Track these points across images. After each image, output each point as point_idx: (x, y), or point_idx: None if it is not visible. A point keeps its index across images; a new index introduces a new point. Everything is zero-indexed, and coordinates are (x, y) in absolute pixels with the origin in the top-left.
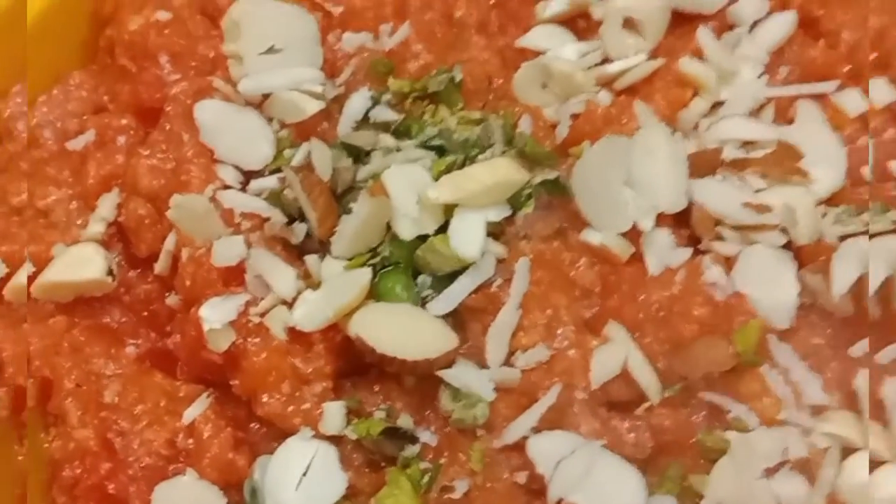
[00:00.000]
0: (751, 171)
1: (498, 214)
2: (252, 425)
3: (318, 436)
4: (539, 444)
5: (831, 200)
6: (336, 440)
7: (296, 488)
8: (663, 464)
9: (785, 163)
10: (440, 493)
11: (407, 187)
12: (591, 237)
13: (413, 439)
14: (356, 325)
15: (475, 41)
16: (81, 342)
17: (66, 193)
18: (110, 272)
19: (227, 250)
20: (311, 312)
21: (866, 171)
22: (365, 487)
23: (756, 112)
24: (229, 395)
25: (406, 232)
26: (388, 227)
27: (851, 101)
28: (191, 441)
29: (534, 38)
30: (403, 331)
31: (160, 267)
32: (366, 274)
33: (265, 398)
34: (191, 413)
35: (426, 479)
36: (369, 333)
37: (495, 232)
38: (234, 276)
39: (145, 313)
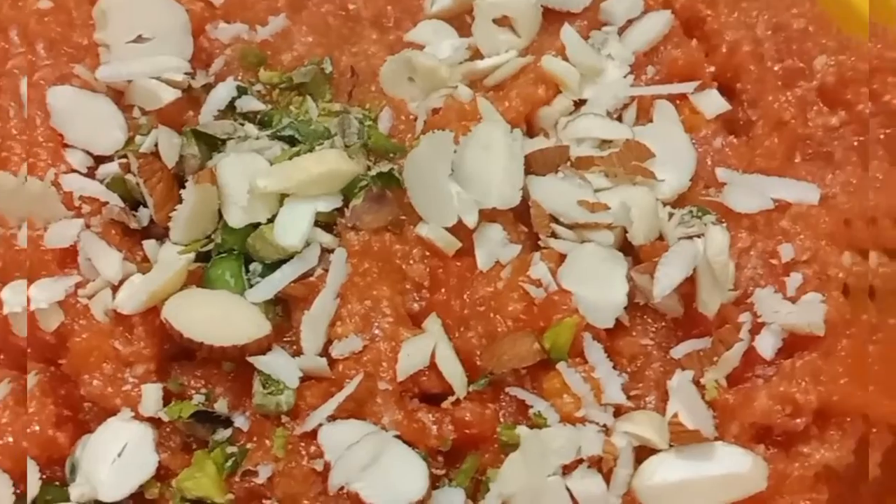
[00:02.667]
0: (597, 169)
1: (328, 205)
2: (87, 405)
3: (138, 417)
4: (330, 432)
5: (678, 202)
6: (157, 422)
7: (109, 467)
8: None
9: (630, 162)
10: (243, 478)
11: (239, 176)
12: (422, 230)
13: (227, 423)
14: (168, 309)
15: (367, 35)
16: None
17: None
18: None
19: (61, 232)
20: (131, 296)
21: (719, 174)
22: (178, 469)
23: (619, 112)
24: (61, 374)
25: (235, 219)
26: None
27: (709, 103)
28: (11, 415)
29: (418, 33)
30: (214, 317)
31: None
32: (181, 259)
33: (87, 378)
34: (3, 389)
35: (230, 462)
36: (179, 318)
37: (328, 222)
38: (68, 258)
39: None
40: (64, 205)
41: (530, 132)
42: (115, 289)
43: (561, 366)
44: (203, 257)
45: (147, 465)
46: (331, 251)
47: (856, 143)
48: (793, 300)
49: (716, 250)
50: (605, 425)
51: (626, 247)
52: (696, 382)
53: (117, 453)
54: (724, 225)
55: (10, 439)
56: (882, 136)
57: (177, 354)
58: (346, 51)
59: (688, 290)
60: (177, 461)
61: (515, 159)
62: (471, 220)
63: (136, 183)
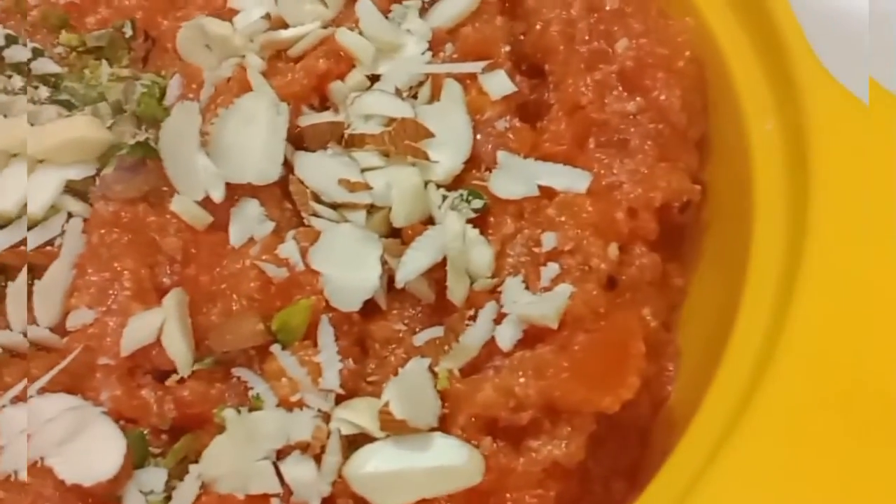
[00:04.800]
0: (369, 147)
1: (80, 173)
2: None
3: None
4: (36, 405)
5: (455, 185)
6: None
7: None
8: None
9: (403, 141)
10: None
11: None
12: (174, 203)
13: None
14: None
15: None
16: None
17: None
18: None
19: None
20: None
21: (499, 157)
22: None
23: (416, 90)
24: None
25: None
26: None
27: (496, 84)
28: None
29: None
30: None
31: None
32: None
33: None
34: None
35: None
36: None
37: (82, 191)
38: None
39: None
40: None
41: (322, 106)
42: None
43: (275, 348)
44: None
45: None
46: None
47: (653, 131)
48: (546, 290)
49: (450, 236)
50: (321, 410)
51: (396, 231)
52: (433, 371)
53: None
54: (480, 205)
55: None
56: (652, 132)
57: None
58: (170, 15)
59: (442, 277)
60: None
61: (277, 134)
62: (217, 195)
63: None
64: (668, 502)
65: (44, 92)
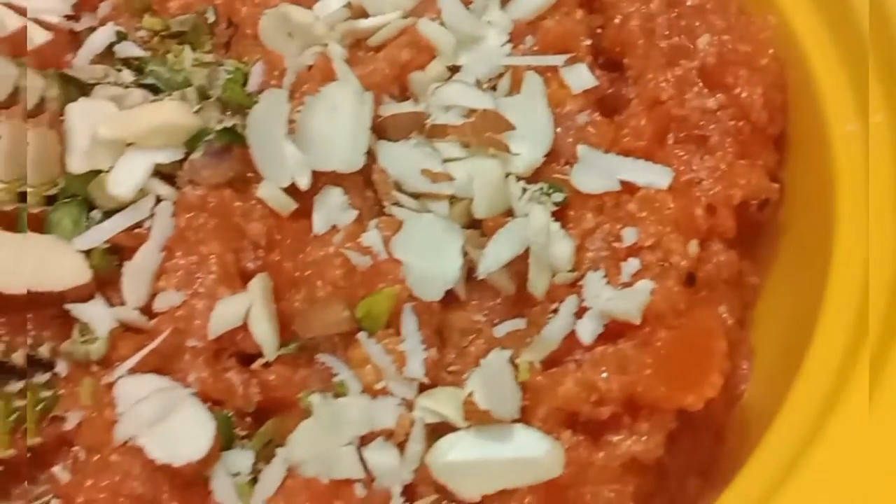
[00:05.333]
0: (450, 138)
1: (169, 157)
2: None
3: None
4: (126, 385)
5: (535, 177)
6: None
7: None
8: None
9: (485, 133)
10: (52, 422)
11: (85, 121)
12: (260, 189)
13: (48, 366)
14: None
15: None
16: None
17: None
18: None
19: None
20: None
21: (579, 151)
22: None
23: (495, 81)
24: None
25: (75, 165)
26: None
27: (576, 78)
28: None
29: None
30: (34, 262)
31: None
32: None
33: None
34: None
35: (42, 405)
36: None
37: (170, 175)
38: None
39: None
40: None
41: (403, 96)
42: None
43: (361, 336)
44: (50, 201)
45: None
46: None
47: (733, 128)
48: (626, 286)
49: (535, 230)
50: (405, 399)
51: (475, 220)
52: (514, 364)
53: None
54: (561, 198)
55: None
56: (732, 129)
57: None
58: (248, 2)
59: (523, 269)
60: None
61: (362, 123)
62: (303, 182)
63: None
64: None
65: (128, 76)
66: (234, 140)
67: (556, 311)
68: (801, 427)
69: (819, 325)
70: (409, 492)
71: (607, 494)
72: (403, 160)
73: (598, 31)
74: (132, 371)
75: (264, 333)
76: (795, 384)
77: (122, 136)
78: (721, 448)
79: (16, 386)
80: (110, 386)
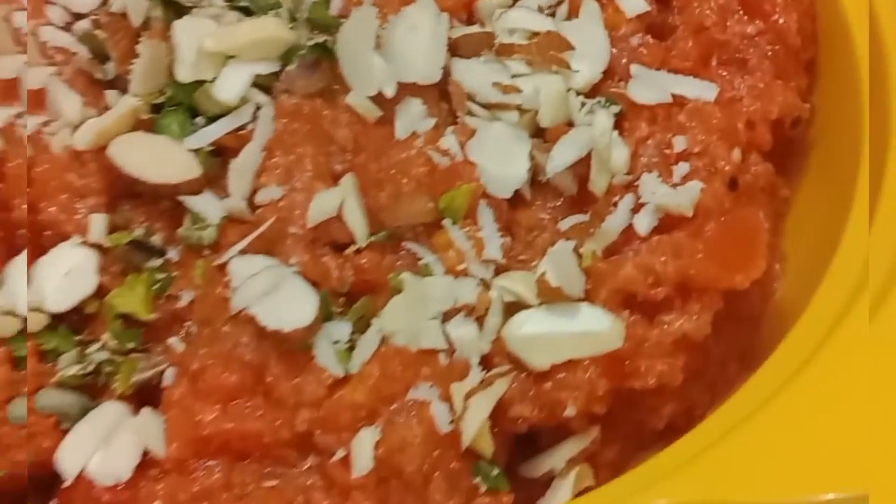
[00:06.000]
0: (517, 56)
1: (266, 68)
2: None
3: (85, 243)
4: (238, 263)
5: (591, 93)
6: (101, 249)
7: (57, 283)
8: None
9: (548, 52)
10: (168, 300)
11: (191, 36)
12: (349, 98)
13: (160, 253)
14: (114, 146)
15: None
16: None
17: None
18: None
19: (5, 66)
20: (85, 134)
21: (632, 70)
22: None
23: (554, 9)
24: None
25: (183, 75)
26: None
27: (630, 3)
28: None
29: None
30: (154, 157)
31: None
32: (129, 103)
33: (44, 206)
34: None
35: (158, 286)
36: (122, 155)
37: (267, 85)
38: (10, 90)
39: None
40: (41, 54)
41: (469, 21)
42: (75, 129)
43: (447, 222)
44: (156, 109)
45: (88, 284)
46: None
47: (770, 52)
48: (677, 186)
49: (600, 130)
50: (483, 279)
51: (539, 131)
52: (577, 252)
53: (65, 272)
54: (621, 108)
55: None
56: (769, 53)
57: (126, 193)
58: None
59: (584, 172)
60: (116, 284)
61: (439, 40)
62: (389, 91)
63: (102, 38)
64: (777, 383)
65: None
66: (323, 54)
67: (615, 206)
68: (824, 322)
69: (845, 234)
70: (485, 362)
71: (660, 367)
72: (476, 74)
73: None
74: (242, 252)
75: (357, 222)
76: (821, 286)
77: (226, 48)
78: (757, 337)
79: (156, 262)
80: (220, 268)
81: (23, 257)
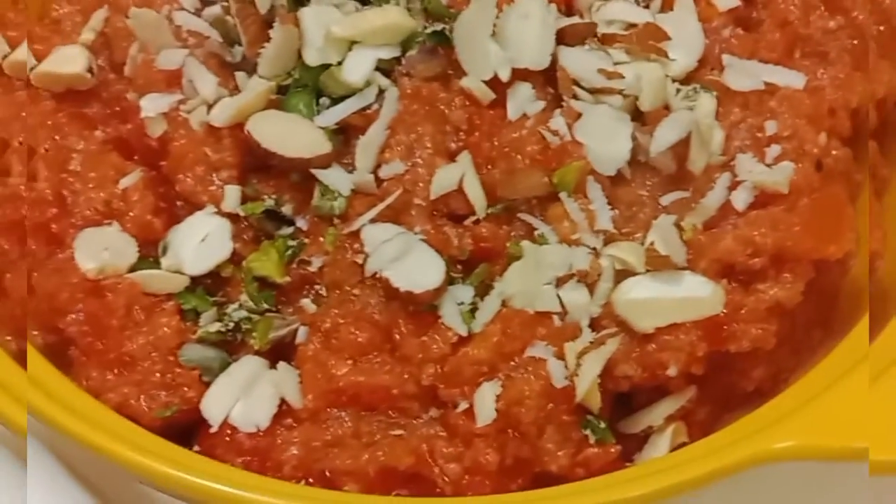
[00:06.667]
0: (618, 45)
1: (388, 53)
2: (178, 203)
3: (219, 212)
4: (370, 230)
5: (686, 80)
6: (233, 217)
7: (194, 249)
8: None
9: (647, 41)
10: (300, 265)
11: (318, 23)
12: (464, 82)
13: (290, 222)
14: (251, 123)
15: None
16: (62, 123)
17: (74, 8)
18: (90, 70)
19: (169, 57)
20: (222, 112)
21: (724, 59)
22: (248, 255)
23: (648, 2)
24: (162, 175)
25: (311, 59)
26: (301, 54)
27: None
28: (122, 203)
29: None
30: (287, 133)
31: (127, 70)
32: (264, 84)
33: (181, 177)
34: (125, 182)
35: (290, 252)
36: (258, 131)
37: (387, 69)
38: (174, 80)
39: (118, 108)
40: (174, 37)
41: (569, 13)
42: (209, 107)
43: (563, 195)
44: (283, 90)
45: (224, 250)
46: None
47: (850, 46)
48: (769, 166)
49: (704, 113)
50: (594, 248)
51: (637, 114)
52: (678, 226)
53: (201, 239)
54: (714, 94)
55: (139, 212)
56: (849, 46)
57: (256, 167)
58: None
59: (682, 152)
60: (248, 250)
61: (548, 29)
62: (504, 75)
63: (233, 24)
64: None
65: None
66: (440, 41)
67: (713, 183)
68: None
69: None
70: (594, 325)
71: (755, 331)
72: (581, 61)
73: None
74: (372, 221)
75: (476, 194)
76: None
77: (353, 34)
78: (837, 309)
79: (287, 230)
80: (349, 235)
81: (184, 225)
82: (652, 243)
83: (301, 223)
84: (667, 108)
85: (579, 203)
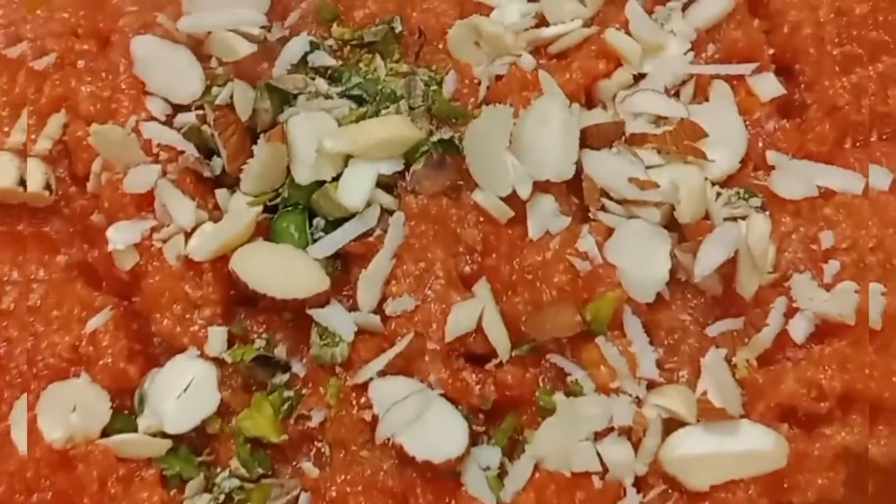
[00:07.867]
0: (649, 146)
1: (390, 168)
2: (156, 340)
3: (203, 356)
4: (380, 387)
5: (727, 182)
6: (220, 362)
7: (175, 402)
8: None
9: (683, 141)
10: (297, 421)
11: (308, 135)
12: (478, 197)
13: (285, 368)
14: (235, 260)
15: None
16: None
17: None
18: (48, 186)
19: (139, 178)
20: (203, 244)
21: (769, 157)
22: (237, 407)
23: (677, 88)
24: (135, 309)
25: (302, 176)
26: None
27: (765, 86)
28: (91, 349)
29: None
30: (278, 270)
31: (91, 186)
32: (251, 212)
33: (158, 317)
34: (93, 323)
35: (286, 406)
36: (245, 269)
37: (389, 184)
38: (146, 202)
39: (80, 227)
40: (143, 151)
41: (589, 103)
42: (187, 235)
43: (600, 339)
44: (270, 209)
45: (210, 402)
46: (390, 212)
47: None
48: (828, 287)
49: (756, 237)
50: (637, 397)
51: (672, 223)
52: (728, 360)
53: (183, 389)
54: (767, 213)
55: (111, 359)
56: None
57: (242, 300)
58: (417, 6)
59: (728, 270)
60: (237, 400)
61: (571, 133)
62: (524, 192)
63: (210, 134)
64: None
65: (322, 85)
66: (449, 151)
67: (766, 310)
68: None
69: None
70: (639, 483)
71: (821, 482)
72: (609, 168)
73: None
74: (381, 373)
75: (499, 335)
76: None
77: (349, 149)
78: None
79: (281, 378)
80: (355, 387)
81: (164, 371)
82: (705, 392)
83: (297, 367)
84: (707, 217)
85: (617, 344)
